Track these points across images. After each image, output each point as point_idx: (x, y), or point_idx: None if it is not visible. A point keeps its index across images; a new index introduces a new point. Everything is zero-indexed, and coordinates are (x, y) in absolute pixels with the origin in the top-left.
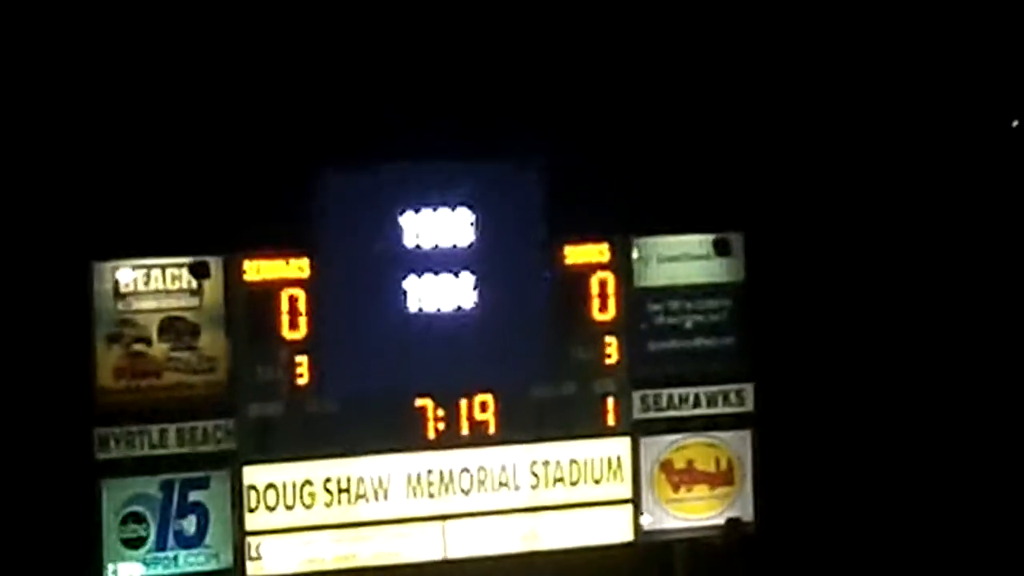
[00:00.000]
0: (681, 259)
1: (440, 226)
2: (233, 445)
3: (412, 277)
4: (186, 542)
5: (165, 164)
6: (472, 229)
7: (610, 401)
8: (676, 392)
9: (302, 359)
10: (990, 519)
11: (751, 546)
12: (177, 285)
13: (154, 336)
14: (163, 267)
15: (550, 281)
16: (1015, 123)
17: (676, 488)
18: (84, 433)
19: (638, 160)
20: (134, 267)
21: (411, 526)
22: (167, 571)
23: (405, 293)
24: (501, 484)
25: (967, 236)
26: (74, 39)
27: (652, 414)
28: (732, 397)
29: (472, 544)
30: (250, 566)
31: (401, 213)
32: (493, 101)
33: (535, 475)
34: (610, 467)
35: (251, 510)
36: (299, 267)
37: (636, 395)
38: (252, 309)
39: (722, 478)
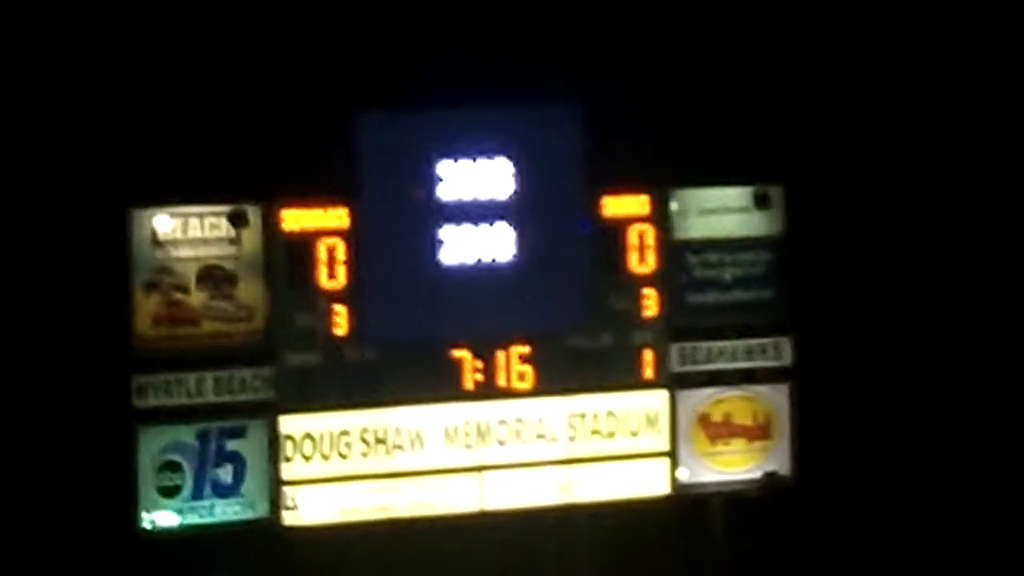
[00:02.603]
0: (720, 212)
1: (478, 175)
2: (270, 394)
3: (450, 227)
4: (222, 491)
5: (204, 112)
6: (510, 178)
7: (648, 354)
8: (714, 345)
9: (340, 308)
10: None
11: (788, 500)
12: (215, 234)
13: (192, 284)
14: (201, 215)
15: (588, 231)
16: None
17: (713, 441)
18: (122, 381)
19: (679, 112)
20: (172, 215)
21: (447, 477)
22: (202, 520)
23: (443, 243)
24: (538, 435)
25: (1011, 186)
26: None
27: (690, 367)
28: (770, 350)
29: (508, 495)
30: (286, 516)
31: (439, 162)
32: (534, 48)
33: (572, 427)
34: (647, 420)
35: (287, 460)
36: (337, 216)
37: (674, 348)
38: (290, 258)
39: (760, 431)
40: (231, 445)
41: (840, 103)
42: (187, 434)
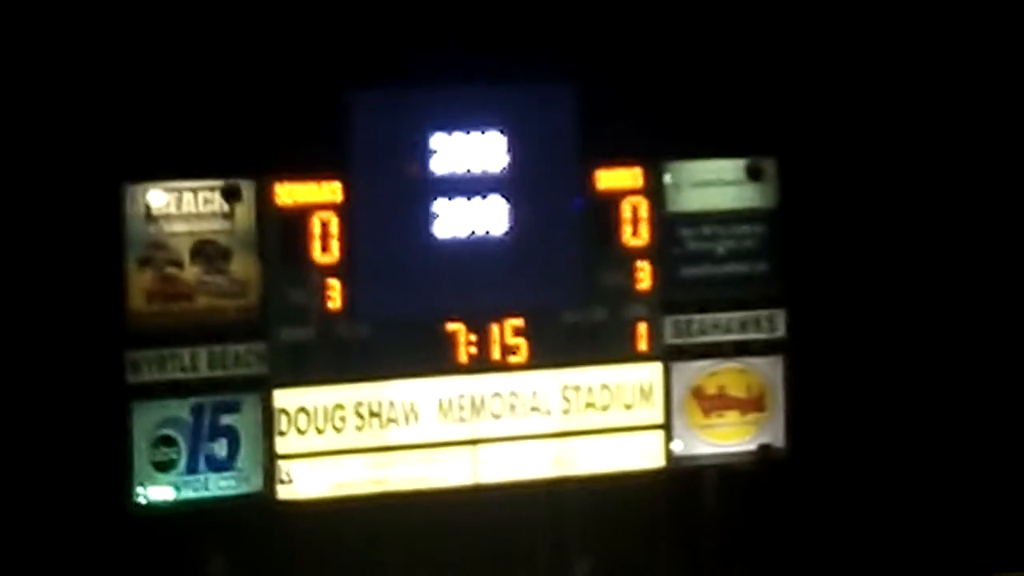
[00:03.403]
0: (714, 184)
1: (471, 150)
2: (264, 369)
3: (443, 201)
4: (217, 465)
5: (198, 86)
6: (503, 153)
7: (642, 326)
8: (708, 318)
9: (334, 283)
10: None
11: (782, 472)
12: (209, 208)
13: (186, 259)
14: (195, 190)
15: (582, 205)
16: None
17: (707, 414)
18: (115, 356)
19: (671, 84)
20: (166, 190)
21: (442, 451)
22: (197, 494)
23: (437, 217)
24: (532, 409)
25: (1004, 161)
26: None
27: (684, 339)
28: (764, 323)
29: (503, 469)
30: (280, 490)
31: (432, 137)
32: (525, 23)
33: (566, 400)
34: (642, 392)
35: (282, 434)
36: (331, 191)
37: (668, 320)
38: (284, 233)
39: (754, 404)
40: (225, 420)
41: (832, 76)
42: (181, 409)
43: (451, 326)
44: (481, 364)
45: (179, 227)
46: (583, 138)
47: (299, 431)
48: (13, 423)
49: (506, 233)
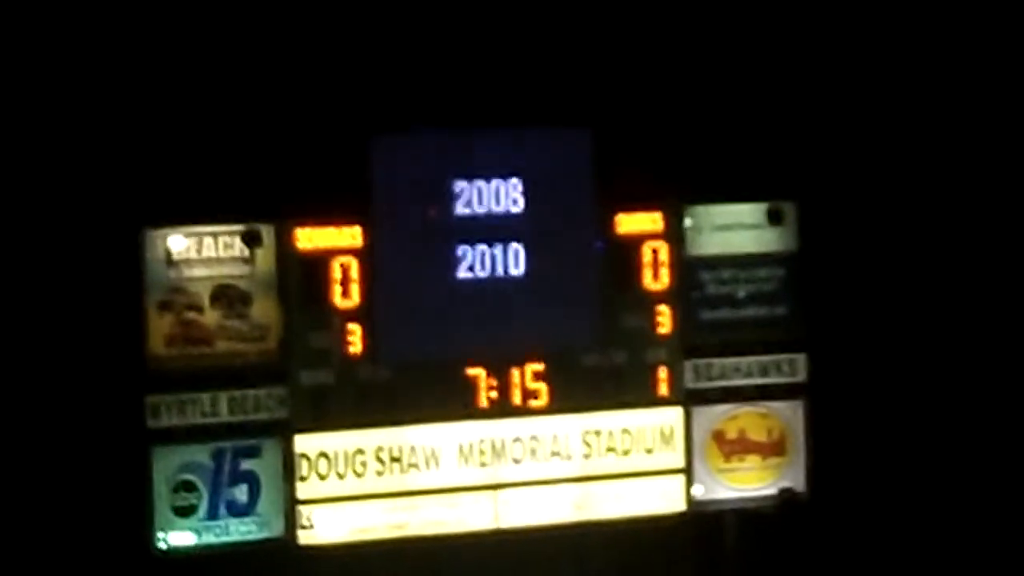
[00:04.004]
0: (734, 228)
1: (492, 194)
2: (285, 413)
3: (463, 245)
4: (237, 510)
5: (218, 131)
6: (524, 197)
7: (662, 370)
8: (728, 362)
9: (354, 327)
10: None
11: (803, 516)
12: (229, 253)
13: (206, 304)
14: (215, 235)
15: (602, 249)
16: None
17: (728, 458)
18: (136, 401)
19: (691, 128)
20: (186, 235)
21: (463, 495)
22: (218, 539)
23: (457, 261)
24: (553, 453)
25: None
26: (125, 7)
27: (704, 383)
28: (784, 367)
29: (524, 513)
30: (301, 535)
31: (453, 181)
32: (545, 67)
33: (587, 444)
34: (662, 436)
35: (302, 479)
36: (351, 235)
37: (688, 364)
38: (304, 277)
39: (774, 448)
40: (246, 464)
41: (853, 119)
42: (202, 454)
43: (472, 370)
44: (502, 408)
45: (199, 271)
46: (603, 182)
47: (320, 476)
48: (35, 468)
49: (526, 277)
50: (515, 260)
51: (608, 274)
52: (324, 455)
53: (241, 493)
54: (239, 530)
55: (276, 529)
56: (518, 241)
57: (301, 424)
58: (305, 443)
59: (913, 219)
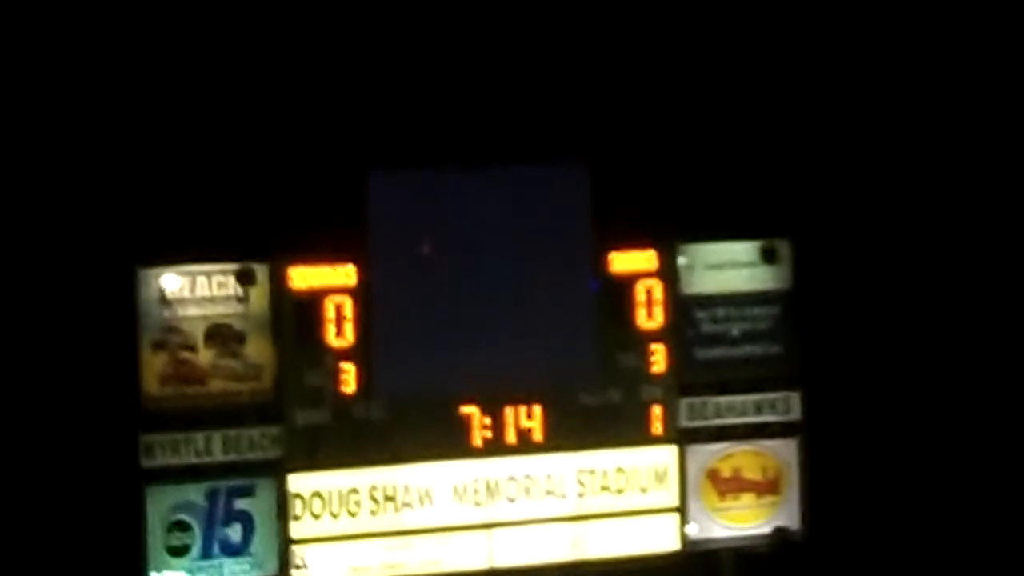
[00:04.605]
0: (728, 266)
1: (486, 231)
2: (279, 453)
3: (457, 284)
4: (231, 550)
5: (211, 170)
6: (518, 235)
7: (656, 409)
8: (723, 400)
9: (348, 366)
10: None
11: (798, 555)
12: (223, 292)
13: (200, 343)
14: (209, 274)
15: (597, 287)
16: None
17: (723, 496)
18: (130, 440)
19: (685, 166)
20: (180, 273)
21: (457, 534)
22: None
23: (451, 300)
24: (547, 492)
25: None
26: (119, 44)
27: (699, 422)
28: (779, 405)
29: (518, 552)
30: (295, 574)
31: (446, 219)
32: (540, 106)
33: (581, 483)
34: (656, 475)
35: (296, 518)
36: (345, 274)
37: (683, 403)
38: (298, 316)
39: (769, 486)
40: (240, 504)
41: (846, 157)
42: (196, 493)
43: (466, 409)
44: (496, 447)
45: (193, 311)
46: (597, 220)
47: (314, 515)
48: (29, 507)
49: (520, 315)
50: (509, 299)
51: (602, 312)
52: (318, 494)
53: (235, 532)
54: (233, 570)
55: (270, 569)
56: (513, 279)
57: (295, 463)
58: (299, 482)
59: (907, 257)
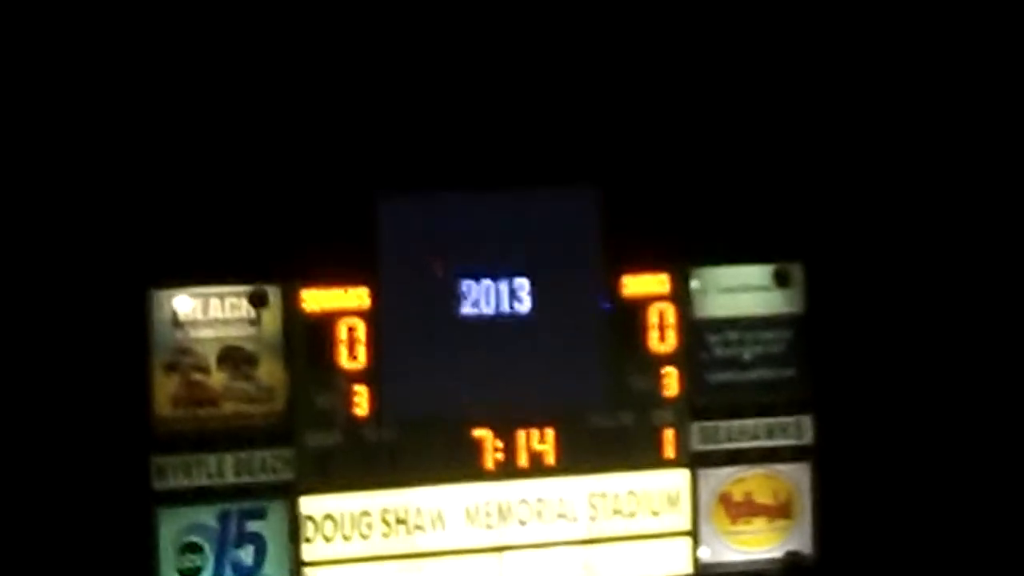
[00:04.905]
0: (740, 290)
1: (498, 255)
2: (291, 475)
3: (470, 307)
4: (243, 573)
5: (224, 192)
6: (531, 258)
7: (669, 432)
8: (735, 424)
9: (360, 388)
10: None
11: None
12: (236, 314)
13: (212, 365)
14: (221, 296)
15: (610, 310)
16: None
17: (735, 520)
18: (141, 462)
19: (697, 190)
20: (193, 295)
21: (469, 557)
22: None
23: (464, 323)
24: (559, 515)
25: None
26: (132, 68)
27: (711, 446)
28: (791, 429)
29: (529, 575)
30: None
31: (458, 241)
32: (551, 128)
33: (593, 506)
34: (668, 499)
35: (308, 540)
36: (357, 296)
37: (695, 426)
38: (310, 338)
39: (781, 510)
40: (252, 526)
41: (859, 181)
42: (207, 515)
43: (478, 432)
44: (508, 470)
45: (205, 333)
46: (610, 243)
47: (325, 538)
48: (39, 529)
49: (533, 339)
50: (521, 323)
51: (614, 336)
52: (330, 517)
53: (247, 555)
54: None
55: None
56: (525, 302)
57: (307, 486)
58: (311, 505)
59: (920, 280)
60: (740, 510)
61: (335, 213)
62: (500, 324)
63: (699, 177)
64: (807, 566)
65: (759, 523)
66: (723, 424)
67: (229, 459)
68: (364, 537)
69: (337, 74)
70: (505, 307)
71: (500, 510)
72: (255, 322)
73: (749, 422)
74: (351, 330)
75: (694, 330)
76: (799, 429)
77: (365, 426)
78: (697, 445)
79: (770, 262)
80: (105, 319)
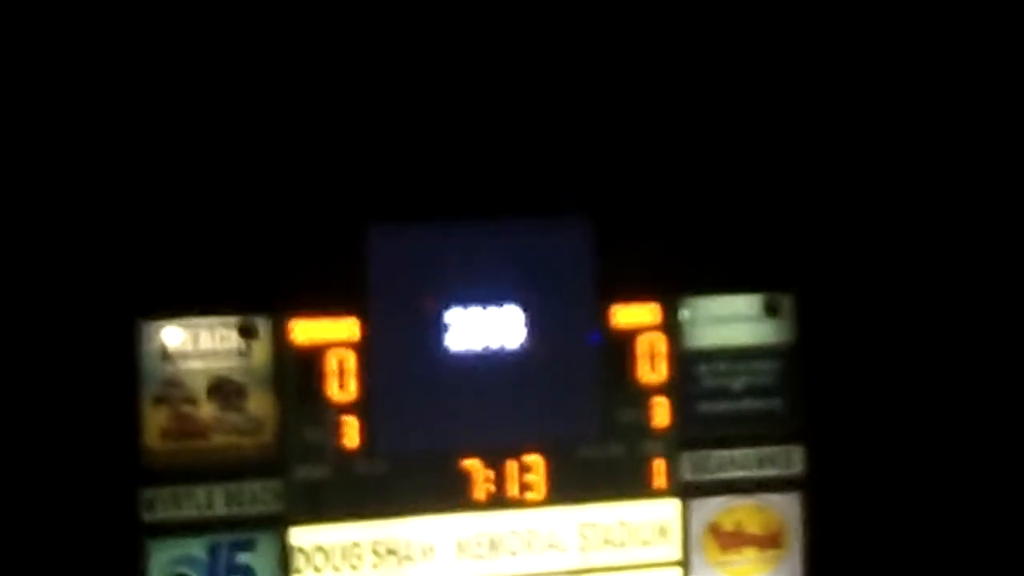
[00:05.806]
0: (731, 320)
1: (487, 285)
2: (281, 507)
3: (460, 338)
4: None
5: (213, 223)
6: (520, 289)
7: (659, 463)
8: (725, 454)
9: (350, 420)
10: None
11: None
12: (225, 346)
13: (202, 397)
14: (211, 327)
15: (599, 341)
16: None
17: (725, 550)
18: (130, 494)
19: (687, 220)
20: (182, 327)
21: None
22: None
23: (453, 354)
24: (550, 546)
25: None
26: (122, 97)
27: (701, 476)
28: (781, 459)
29: None
30: None
31: (447, 273)
32: (540, 158)
33: (584, 536)
34: (659, 529)
35: (298, 572)
36: (347, 328)
37: (685, 457)
38: (300, 370)
39: (771, 541)
40: (241, 558)
41: (851, 211)
42: (197, 547)
43: (468, 463)
44: (498, 501)
45: (195, 364)
46: (599, 274)
47: (316, 569)
48: (27, 562)
49: (522, 369)
50: (511, 354)
51: (604, 366)
52: (320, 548)
53: None
54: None
55: None
56: (514, 332)
57: (297, 518)
58: (301, 536)
59: (912, 311)
60: (731, 540)
61: (325, 244)
62: (491, 356)
63: (690, 207)
64: None
65: (749, 553)
66: (713, 454)
67: (219, 491)
68: (354, 568)
69: (326, 105)
70: (496, 338)
71: (491, 541)
72: (245, 353)
73: (739, 452)
74: (341, 362)
75: (684, 360)
76: (789, 459)
77: (355, 458)
78: (688, 475)
79: (761, 292)
80: (93, 351)
